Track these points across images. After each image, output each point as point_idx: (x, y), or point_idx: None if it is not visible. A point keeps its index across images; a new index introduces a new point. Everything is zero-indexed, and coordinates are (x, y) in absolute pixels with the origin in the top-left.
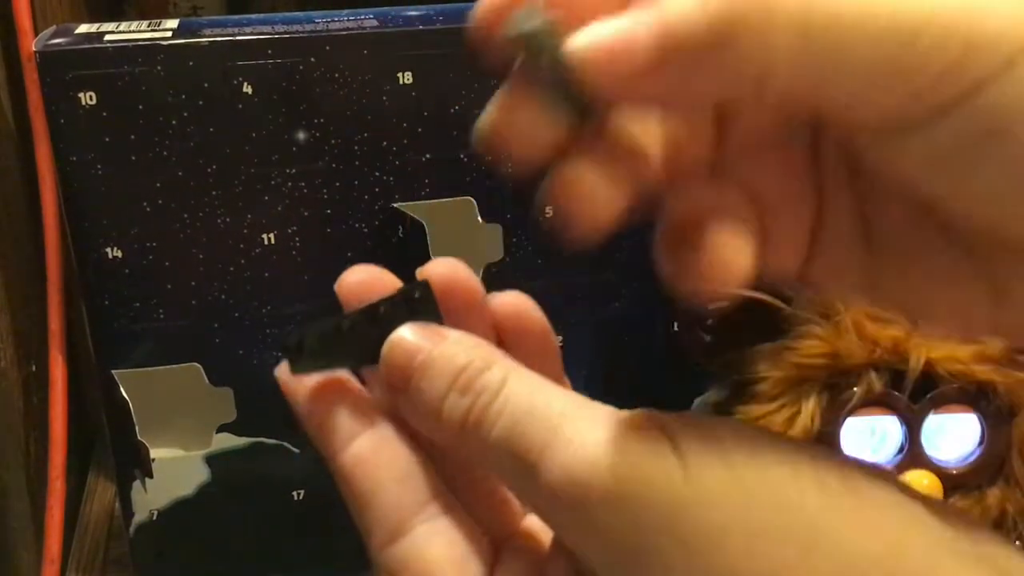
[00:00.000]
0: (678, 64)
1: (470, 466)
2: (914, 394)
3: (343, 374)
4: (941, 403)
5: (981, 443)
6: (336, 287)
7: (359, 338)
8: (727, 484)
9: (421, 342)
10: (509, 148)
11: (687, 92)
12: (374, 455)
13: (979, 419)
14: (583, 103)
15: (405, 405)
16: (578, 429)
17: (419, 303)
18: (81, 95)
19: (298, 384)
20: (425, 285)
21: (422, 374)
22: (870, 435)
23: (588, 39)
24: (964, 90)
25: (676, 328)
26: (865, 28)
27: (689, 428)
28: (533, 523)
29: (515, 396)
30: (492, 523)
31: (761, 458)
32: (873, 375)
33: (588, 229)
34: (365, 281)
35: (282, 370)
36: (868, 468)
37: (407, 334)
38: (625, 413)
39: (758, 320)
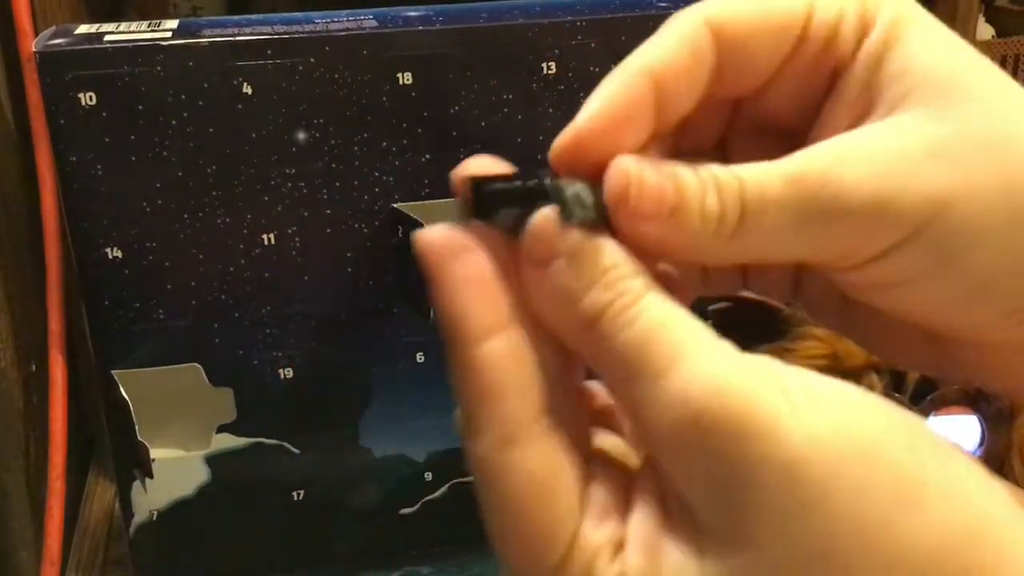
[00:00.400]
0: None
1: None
2: (914, 395)
3: (488, 257)
4: (942, 405)
5: (981, 444)
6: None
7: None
8: (835, 436)
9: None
10: None
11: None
12: (504, 360)
13: (979, 420)
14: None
15: (539, 283)
16: (704, 354)
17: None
18: (81, 95)
19: (449, 262)
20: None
21: (571, 258)
22: None
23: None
24: (877, 253)
25: None
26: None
27: (801, 379)
28: (617, 443)
29: (654, 307)
30: (586, 437)
31: (862, 412)
32: (874, 377)
33: None
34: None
35: (432, 235)
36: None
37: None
38: (749, 356)
39: (757, 320)
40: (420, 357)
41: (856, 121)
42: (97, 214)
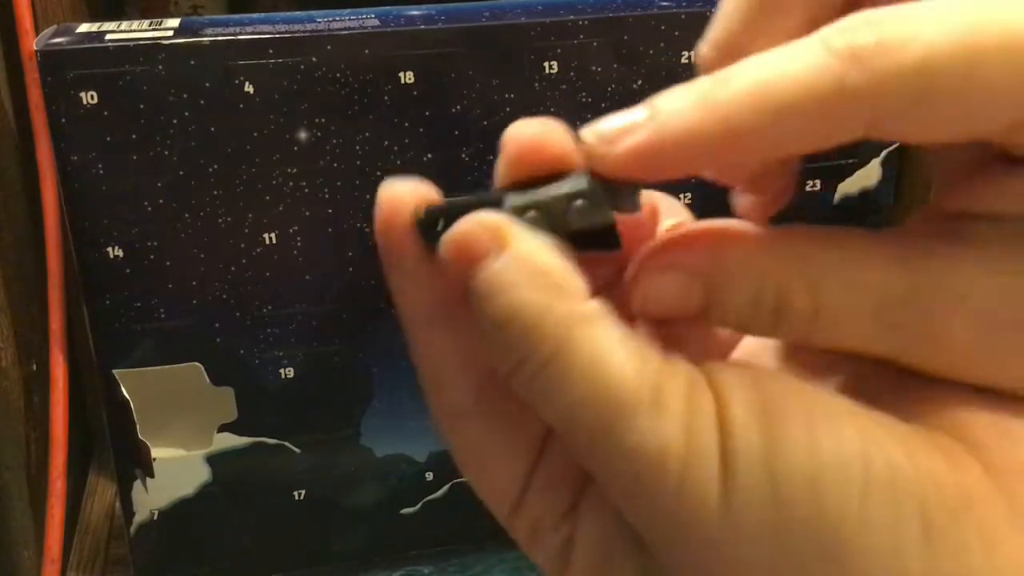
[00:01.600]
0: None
1: None
2: None
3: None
4: None
5: None
6: (505, 138)
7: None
8: (758, 527)
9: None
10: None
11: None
12: (443, 347)
13: None
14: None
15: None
16: (628, 431)
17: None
18: (82, 94)
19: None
20: (594, 191)
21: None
22: None
23: None
24: None
25: None
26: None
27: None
28: None
29: (570, 370)
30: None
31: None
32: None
33: None
34: (537, 138)
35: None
36: None
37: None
38: (690, 402)
39: None
40: None
41: None
42: (98, 213)
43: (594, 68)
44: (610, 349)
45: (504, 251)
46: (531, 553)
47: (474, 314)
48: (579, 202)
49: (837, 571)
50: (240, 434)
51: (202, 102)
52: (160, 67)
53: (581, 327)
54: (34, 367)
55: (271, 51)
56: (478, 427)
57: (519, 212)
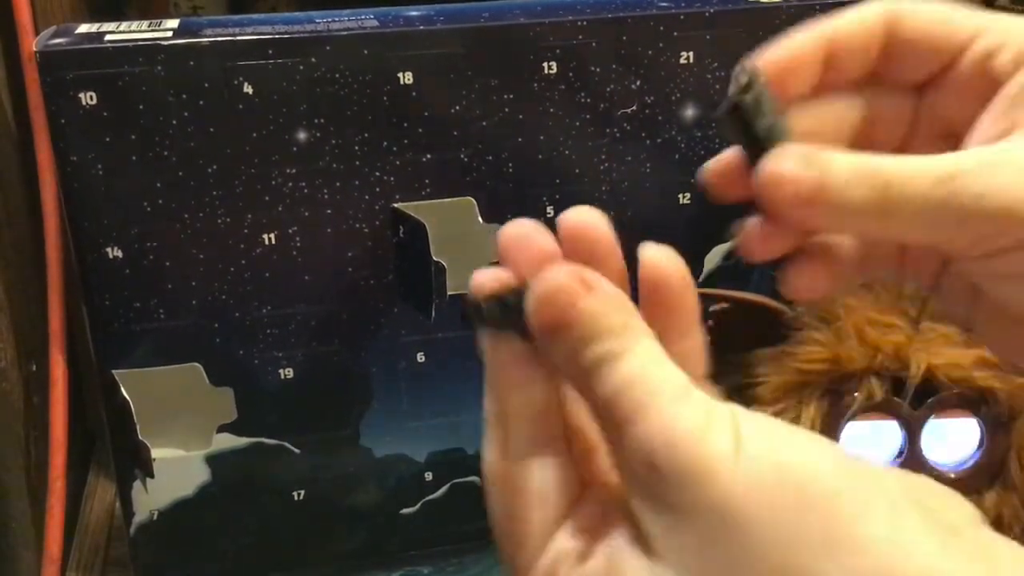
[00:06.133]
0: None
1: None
2: (914, 399)
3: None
4: (942, 408)
5: (980, 447)
6: (499, 237)
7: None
8: (773, 485)
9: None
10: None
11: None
12: (514, 400)
13: (979, 424)
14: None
15: (546, 346)
16: (667, 406)
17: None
18: (81, 95)
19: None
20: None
21: (567, 327)
22: (870, 439)
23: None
24: (1007, 247)
25: None
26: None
27: (758, 428)
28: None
29: (633, 360)
30: (590, 465)
31: (810, 462)
32: (874, 381)
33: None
34: (523, 236)
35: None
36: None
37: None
38: (713, 404)
39: (759, 324)
40: (420, 357)
41: (1003, 133)
42: (97, 214)
43: (594, 68)
44: (660, 353)
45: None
46: None
47: (556, 348)
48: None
49: (820, 521)
50: (240, 434)
51: (202, 102)
52: (159, 68)
53: (646, 337)
54: (34, 367)
55: (271, 52)
56: (527, 468)
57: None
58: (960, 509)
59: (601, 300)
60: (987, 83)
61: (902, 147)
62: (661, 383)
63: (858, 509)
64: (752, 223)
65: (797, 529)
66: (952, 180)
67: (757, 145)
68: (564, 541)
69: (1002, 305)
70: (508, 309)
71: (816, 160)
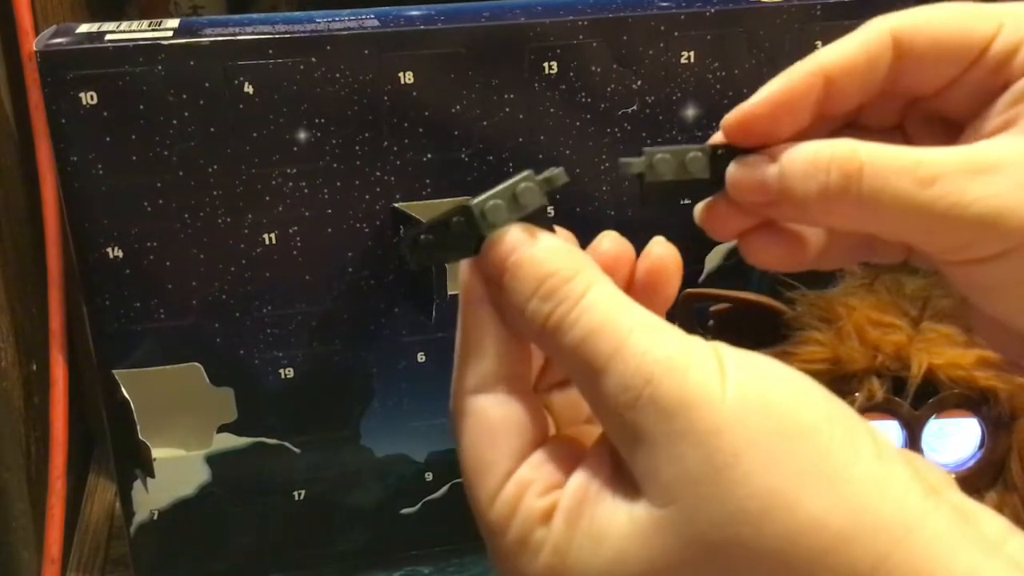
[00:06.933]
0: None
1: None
2: (915, 399)
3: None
4: (942, 408)
5: (981, 447)
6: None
7: (463, 236)
8: (759, 415)
9: (517, 241)
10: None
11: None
12: (488, 324)
13: (980, 424)
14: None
15: (499, 297)
16: (641, 344)
17: (530, 210)
18: (82, 95)
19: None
20: (535, 191)
21: (512, 273)
22: None
23: None
24: (981, 257)
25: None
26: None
27: (743, 361)
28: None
29: (592, 308)
30: (558, 416)
31: (795, 393)
32: (875, 381)
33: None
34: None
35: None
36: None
37: (507, 233)
38: (690, 338)
39: (759, 323)
40: (421, 357)
41: (1001, 127)
42: (98, 214)
43: (594, 68)
44: (622, 296)
45: (536, 240)
46: (506, 530)
47: (508, 290)
48: (523, 186)
49: (805, 452)
50: (240, 434)
51: (202, 102)
52: (160, 67)
53: (603, 282)
54: (34, 367)
55: (271, 52)
56: (494, 400)
57: (484, 204)
58: (941, 474)
59: (544, 248)
60: (1002, 81)
61: (892, 127)
62: (630, 321)
63: (844, 447)
64: (714, 201)
65: (783, 457)
66: (933, 182)
67: (683, 188)
68: (529, 471)
69: (989, 313)
70: (447, 233)
71: (767, 159)
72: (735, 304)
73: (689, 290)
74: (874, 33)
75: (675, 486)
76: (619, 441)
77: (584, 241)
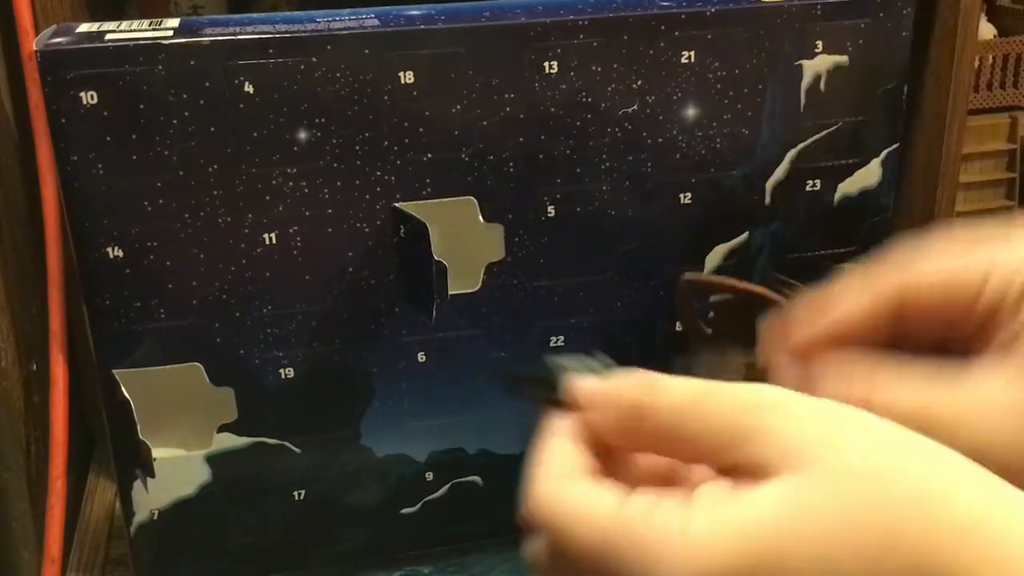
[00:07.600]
0: None
1: None
2: None
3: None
4: None
5: None
6: None
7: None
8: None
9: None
10: None
11: None
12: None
13: None
14: None
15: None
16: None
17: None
18: (82, 94)
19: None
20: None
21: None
22: None
23: None
24: None
25: (677, 328)
26: None
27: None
28: None
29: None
30: None
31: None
32: None
33: None
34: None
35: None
36: None
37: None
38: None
39: (761, 314)
40: (421, 357)
41: (1006, 342)
42: (98, 213)
43: (594, 68)
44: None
45: None
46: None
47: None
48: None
49: None
50: (240, 434)
51: (202, 102)
52: (160, 67)
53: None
54: (34, 367)
55: (271, 51)
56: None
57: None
58: None
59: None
60: (996, 321)
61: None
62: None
63: None
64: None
65: None
66: (925, 410)
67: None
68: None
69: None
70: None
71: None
72: (736, 294)
73: (689, 275)
74: (879, 299)
75: None
76: None
77: (584, 240)
